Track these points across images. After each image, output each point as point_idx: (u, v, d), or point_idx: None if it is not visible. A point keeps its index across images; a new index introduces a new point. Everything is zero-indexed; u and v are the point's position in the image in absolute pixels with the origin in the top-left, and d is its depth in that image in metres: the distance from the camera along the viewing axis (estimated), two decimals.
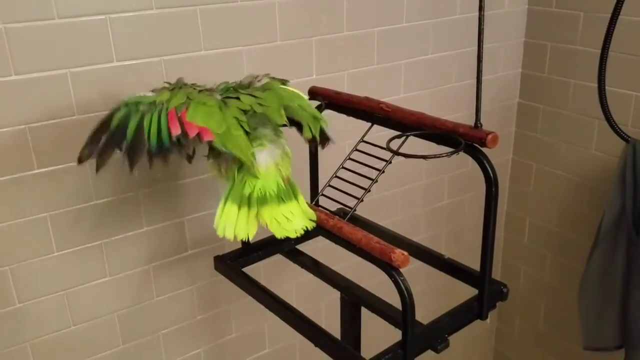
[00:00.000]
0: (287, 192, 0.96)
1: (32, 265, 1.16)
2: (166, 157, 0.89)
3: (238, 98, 0.97)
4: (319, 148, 1.07)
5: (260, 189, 0.94)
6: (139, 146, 0.89)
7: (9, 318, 1.17)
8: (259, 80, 1.04)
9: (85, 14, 1.07)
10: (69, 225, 1.17)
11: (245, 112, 0.96)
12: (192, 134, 0.88)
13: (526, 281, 2.00)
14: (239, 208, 0.94)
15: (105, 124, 0.91)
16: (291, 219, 0.94)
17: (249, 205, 0.94)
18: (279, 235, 0.94)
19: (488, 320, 1.08)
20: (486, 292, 1.02)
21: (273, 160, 0.96)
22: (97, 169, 0.90)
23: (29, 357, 1.21)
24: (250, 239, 0.95)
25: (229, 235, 0.93)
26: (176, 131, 0.88)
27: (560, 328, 1.93)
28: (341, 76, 1.44)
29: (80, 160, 0.91)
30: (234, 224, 0.93)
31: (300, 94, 1.05)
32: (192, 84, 1.02)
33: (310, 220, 0.97)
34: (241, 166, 0.95)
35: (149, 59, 1.16)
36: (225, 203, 0.95)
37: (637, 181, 1.47)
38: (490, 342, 2.19)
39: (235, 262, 1.19)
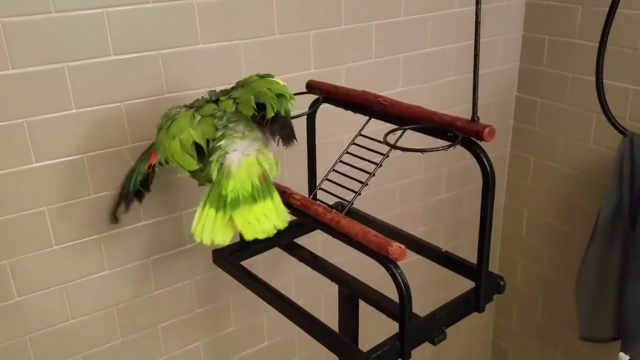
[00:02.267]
0: (261, 191, 0.94)
1: (31, 259, 1.16)
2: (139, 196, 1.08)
3: (218, 102, 0.98)
4: (283, 148, 1.01)
5: (232, 190, 0.92)
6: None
7: (8, 312, 1.17)
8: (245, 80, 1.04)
9: (82, 7, 1.07)
10: (68, 219, 1.17)
11: (215, 115, 0.96)
12: (147, 164, 1.00)
13: (524, 274, 2.01)
14: (216, 211, 0.93)
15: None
16: (261, 220, 0.93)
17: (224, 209, 0.93)
18: (248, 237, 0.93)
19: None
20: (483, 285, 1.03)
21: (246, 157, 0.95)
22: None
23: (28, 351, 1.22)
24: (226, 244, 0.95)
25: (206, 241, 0.93)
26: (146, 167, 1.01)
27: (557, 321, 1.94)
28: (339, 70, 1.44)
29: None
30: (210, 229, 0.93)
31: (276, 80, 1.01)
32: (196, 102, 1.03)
33: (284, 220, 0.95)
34: (219, 169, 0.95)
35: (147, 52, 1.16)
36: (203, 207, 0.94)
37: (634, 174, 1.47)
38: (488, 334, 2.20)
39: (234, 255, 1.20)
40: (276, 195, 0.96)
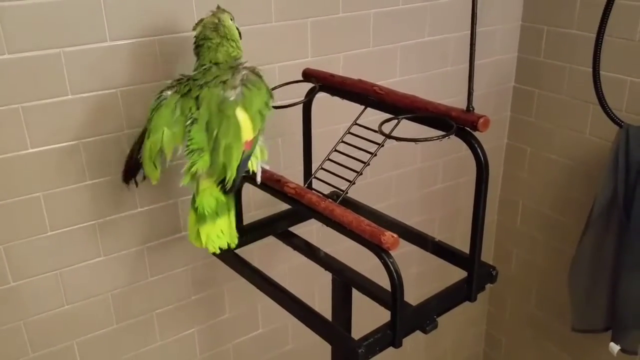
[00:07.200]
0: (223, 206, 0.99)
1: (26, 245, 1.16)
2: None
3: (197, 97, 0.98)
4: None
5: (200, 204, 0.98)
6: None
7: (3, 297, 1.17)
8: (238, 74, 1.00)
9: None
10: (63, 204, 1.17)
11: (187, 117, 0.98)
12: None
13: (518, 264, 2.02)
14: (194, 217, 1.00)
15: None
16: (220, 237, 1.00)
17: (196, 219, 0.99)
18: (212, 251, 1.00)
19: None
20: (475, 274, 1.03)
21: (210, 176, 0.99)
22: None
23: (23, 336, 1.22)
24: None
25: (193, 244, 1.01)
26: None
27: (551, 311, 1.95)
28: (336, 58, 1.43)
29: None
30: (190, 232, 1.01)
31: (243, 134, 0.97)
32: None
33: (234, 240, 1.02)
34: (191, 179, 0.99)
35: (143, 38, 1.15)
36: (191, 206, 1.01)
37: (629, 166, 1.48)
38: (482, 324, 2.22)
39: None
40: (232, 213, 1.01)
